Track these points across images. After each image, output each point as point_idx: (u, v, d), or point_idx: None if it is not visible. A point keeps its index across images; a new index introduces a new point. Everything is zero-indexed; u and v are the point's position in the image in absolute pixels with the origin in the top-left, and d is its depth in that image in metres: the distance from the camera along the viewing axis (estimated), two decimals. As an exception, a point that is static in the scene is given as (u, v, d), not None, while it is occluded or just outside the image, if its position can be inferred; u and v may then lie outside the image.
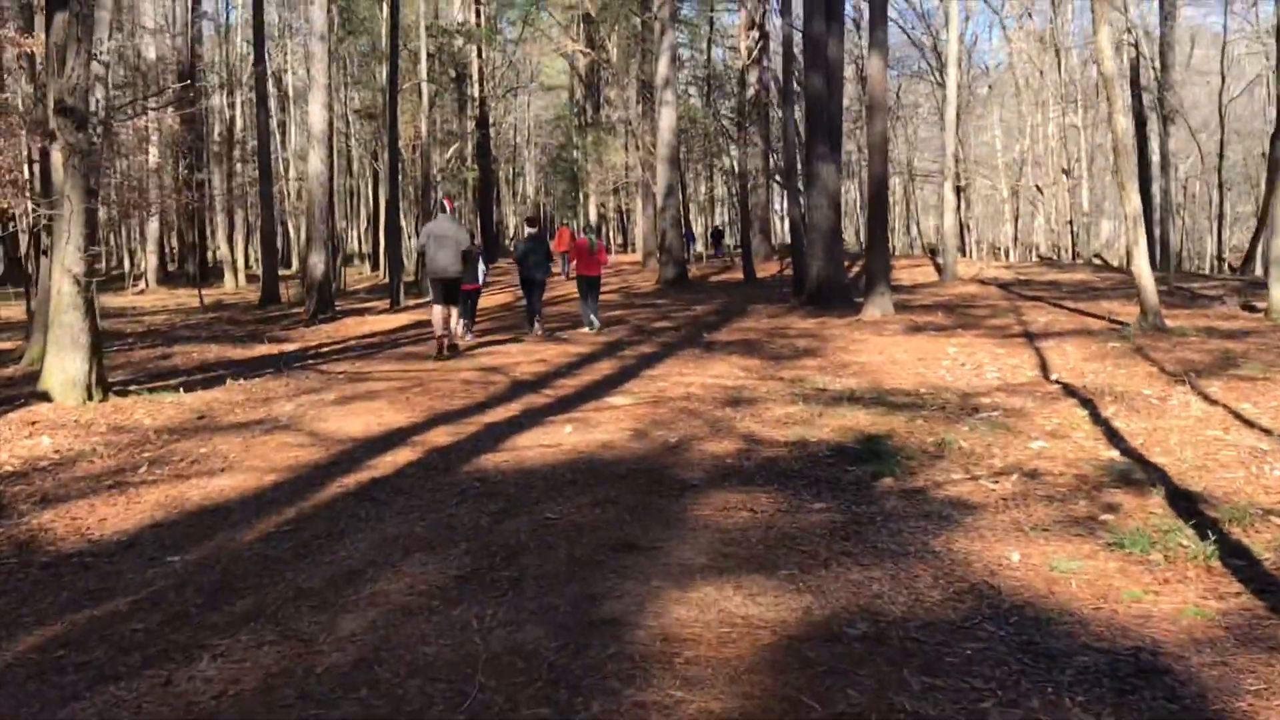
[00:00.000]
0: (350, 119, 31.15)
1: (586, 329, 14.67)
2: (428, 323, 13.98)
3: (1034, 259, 32.34)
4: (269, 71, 31.43)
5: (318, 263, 17.40)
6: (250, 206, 35.19)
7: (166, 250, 35.88)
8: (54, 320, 8.76)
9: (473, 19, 29.82)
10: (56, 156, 8.54)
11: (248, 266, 35.60)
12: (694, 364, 11.22)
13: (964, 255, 36.75)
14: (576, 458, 6.73)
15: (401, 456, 6.90)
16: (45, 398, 8.76)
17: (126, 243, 33.63)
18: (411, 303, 20.53)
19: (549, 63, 59.47)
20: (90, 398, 8.86)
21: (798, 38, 20.18)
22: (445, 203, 14.14)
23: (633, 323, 16.02)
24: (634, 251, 49.60)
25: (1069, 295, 17.94)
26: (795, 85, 20.39)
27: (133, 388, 9.92)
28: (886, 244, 15.14)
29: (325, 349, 13.61)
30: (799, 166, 19.80)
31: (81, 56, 8.32)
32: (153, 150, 30.25)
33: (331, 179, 34.21)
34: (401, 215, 35.82)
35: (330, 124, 17.15)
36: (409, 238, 31.60)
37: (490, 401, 9.00)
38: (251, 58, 22.17)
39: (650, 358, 11.84)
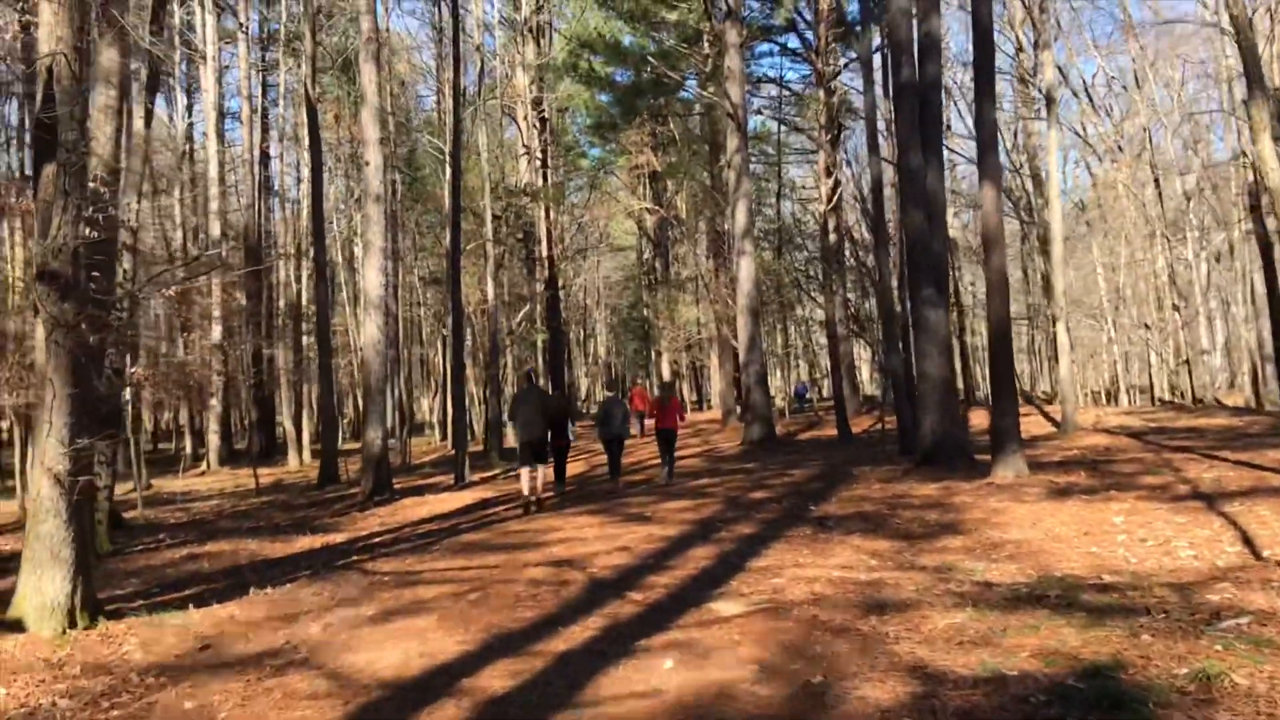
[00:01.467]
0: (417, 285, 30.42)
1: (662, 480, 16.09)
2: (492, 502, 12.81)
3: (1150, 403, 29.89)
4: (335, 239, 30.99)
5: (375, 439, 15.87)
6: (315, 382, 34.32)
7: (233, 429, 34.97)
8: (31, 530, 7.14)
9: (539, 180, 29.06)
10: (40, 332, 7.08)
11: (314, 443, 34.51)
12: (810, 549, 9.24)
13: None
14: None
15: (443, 717, 5.02)
16: (17, 627, 7.07)
17: (191, 424, 32.78)
18: (477, 478, 18.85)
19: (617, 224, 59.42)
20: (73, 624, 7.15)
21: (889, 174, 18.85)
22: (531, 372, 16.42)
23: (723, 493, 14.10)
24: (710, 408, 47.99)
25: (1220, 443, 15.69)
26: (879, 228, 18.85)
27: (137, 603, 8.23)
28: (1015, 395, 13.17)
29: (376, 539, 11.87)
30: (895, 311, 18.06)
31: (70, 213, 6.94)
32: (215, 327, 29.72)
33: (396, 346, 33.52)
34: (473, 382, 34.77)
35: (387, 288, 15.90)
36: (480, 404, 30.29)
37: (564, 614, 7.12)
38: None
39: (754, 540, 9.89)
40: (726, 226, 35.82)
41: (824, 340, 52.75)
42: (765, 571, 8.26)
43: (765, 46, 33.37)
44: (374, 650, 6.41)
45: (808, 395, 38.57)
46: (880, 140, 19.77)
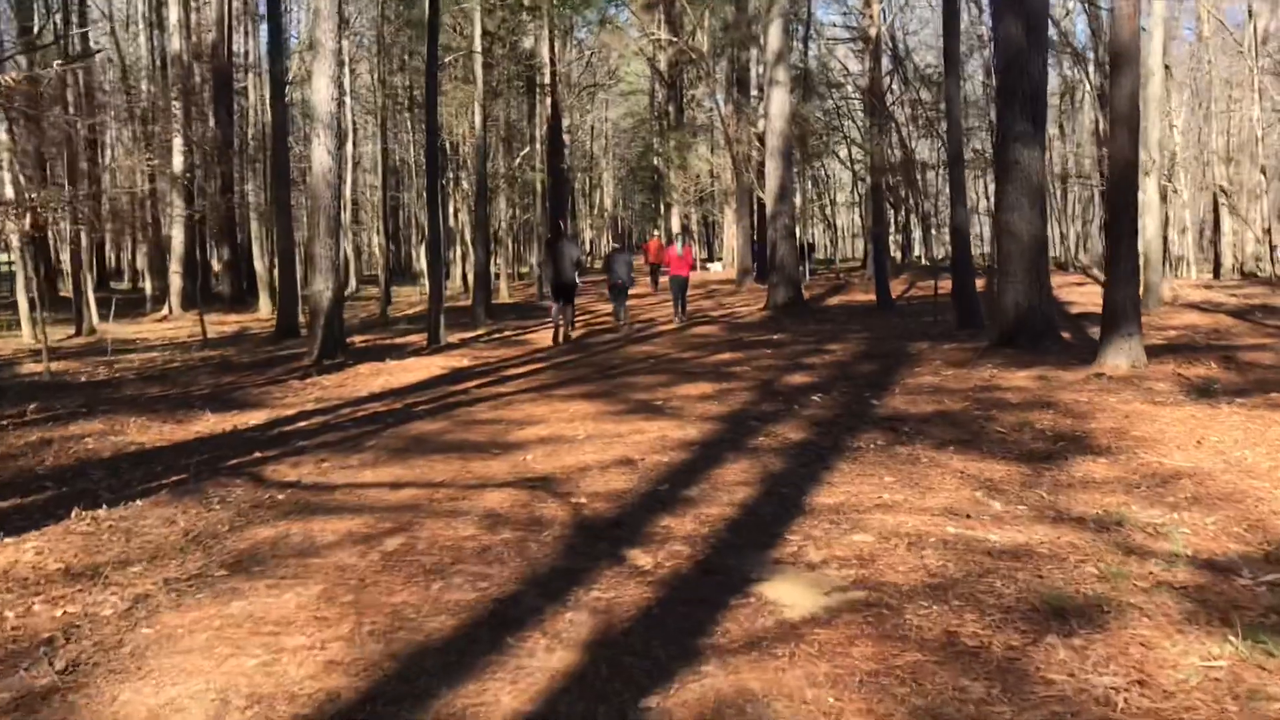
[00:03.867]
0: (400, 113, 26.99)
1: (675, 319, 18.37)
2: (467, 373, 10.47)
3: (1217, 277, 26.77)
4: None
5: (324, 289, 12.91)
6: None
7: (205, 268, 31.94)
8: None
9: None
10: None
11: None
12: (893, 473, 6.42)
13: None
14: None
15: None
16: None
17: (152, 264, 29.76)
18: (456, 339, 15.99)
19: (627, 65, 55.23)
20: None
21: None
22: (562, 223, 18.74)
23: (752, 374, 11.25)
24: (719, 266, 44.99)
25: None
26: (951, 53, 15.46)
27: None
28: (1136, 258, 10.18)
29: (302, 422, 9.08)
30: (962, 156, 14.89)
31: None
32: (177, 156, 26.48)
33: (384, 185, 30.08)
34: (459, 224, 31.59)
35: (342, 105, 12.72)
36: (457, 248, 27.59)
37: (524, 600, 4.33)
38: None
39: (808, 454, 7.08)
40: (751, 62, 32.17)
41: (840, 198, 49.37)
42: (838, 516, 5.45)
43: None
44: (173, 676, 3.63)
45: (814, 254, 34.35)
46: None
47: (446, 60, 20.00)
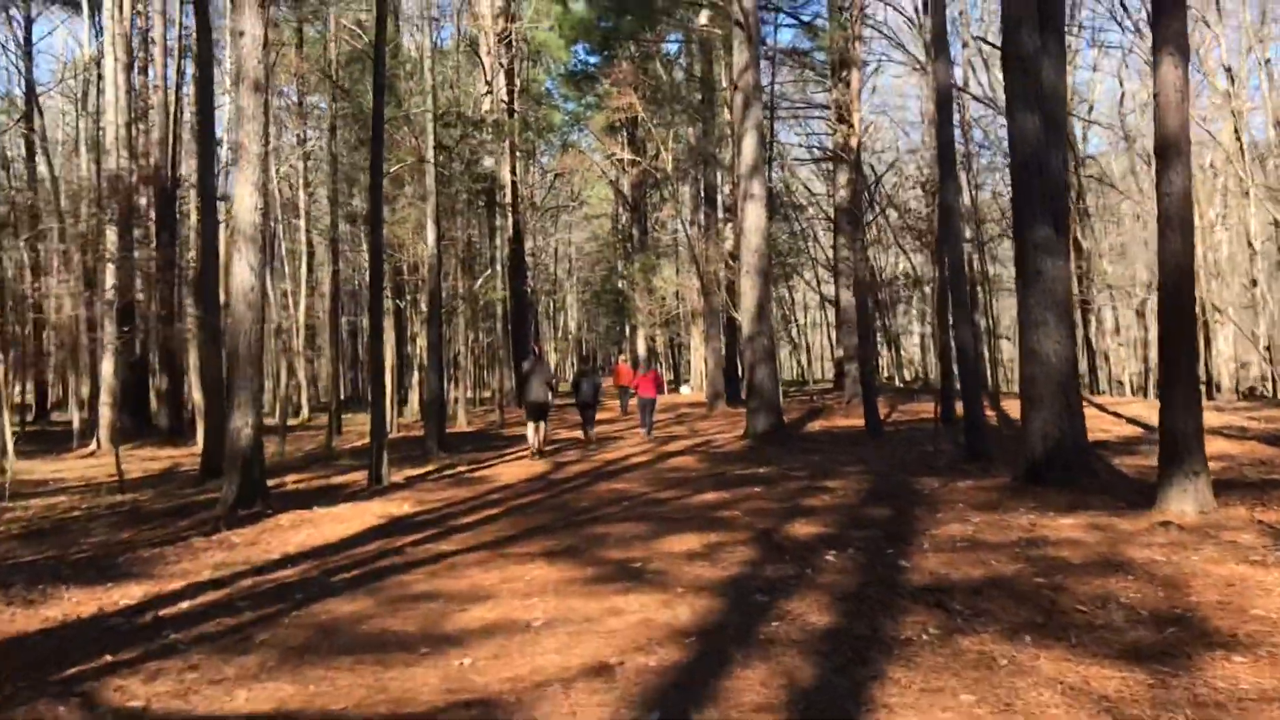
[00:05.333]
0: (357, 233, 25.55)
1: (642, 432, 19.80)
2: (407, 524, 8.82)
3: (1230, 398, 25.51)
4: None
5: (243, 427, 11.09)
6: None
7: (145, 399, 29.93)
8: None
9: (502, 109, 24.14)
10: None
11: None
12: (967, 688, 4.68)
13: (1099, 394, 30.07)
14: None
15: None
16: None
17: (77, 389, 27.75)
18: (402, 477, 14.14)
19: (591, 189, 54.75)
20: None
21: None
22: (535, 348, 19.77)
23: (746, 521, 9.51)
24: (688, 388, 43.56)
25: None
26: (946, 155, 14.23)
27: None
28: (1196, 382, 8.66)
29: (188, 601, 7.20)
30: (963, 267, 13.51)
31: None
32: (109, 277, 24.79)
33: (335, 312, 28.39)
34: (417, 348, 29.88)
35: (267, 215, 11.13)
36: (415, 373, 26.10)
37: None
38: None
39: (840, 651, 5.31)
40: (718, 179, 31.29)
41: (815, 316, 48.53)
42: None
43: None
44: None
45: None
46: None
47: (392, 170, 18.59)
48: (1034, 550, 7.58)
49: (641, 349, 44.50)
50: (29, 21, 37.98)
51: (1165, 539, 7.70)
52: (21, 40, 37.78)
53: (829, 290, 39.22)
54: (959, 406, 19.55)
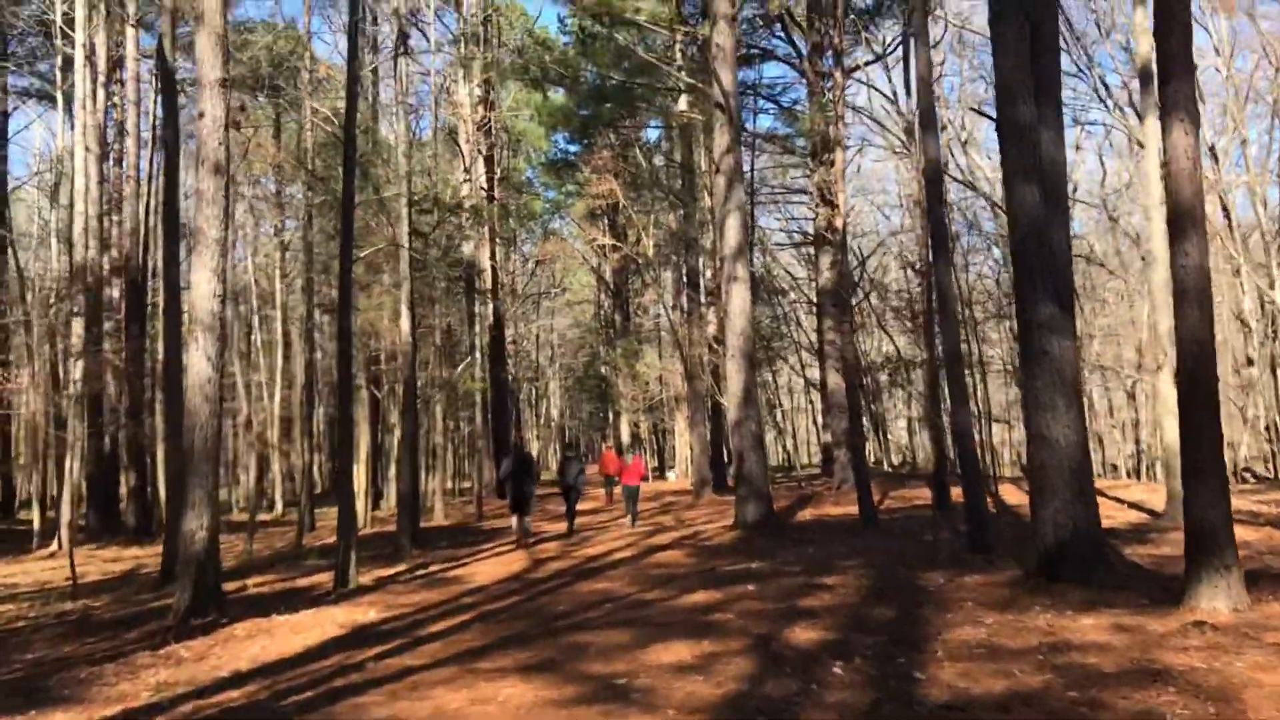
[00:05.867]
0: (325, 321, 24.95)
1: (627, 521, 19.66)
2: (372, 635, 8.24)
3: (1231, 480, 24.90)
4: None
5: (197, 529, 10.29)
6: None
7: (114, 497, 28.89)
8: None
9: (482, 196, 23.76)
10: None
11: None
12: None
13: (1095, 478, 29.41)
14: None
15: None
16: None
17: (42, 487, 26.72)
18: (371, 579, 13.30)
19: (573, 276, 54.67)
20: None
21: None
22: (518, 438, 20.01)
23: (740, 624, 8.75)
24: (674, 474, 42.80)
25: None
26: (939, 232, 13.82)
27: None
28: (1223, 468, 8.05)
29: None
30: (960, 350, 12.94)
31: None
32: (75, 368, 24.09)
33: (310, 401, 27.63)
34: (393, 439, 29.05)
35: (225, 302, 10.49)
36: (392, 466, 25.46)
37: None
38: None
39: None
40: (700, 263, 30.96)
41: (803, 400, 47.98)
42: None
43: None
44: None
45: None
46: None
47: (363, 255, 18.05)
48: (1059, 657, 6.87)
49: (625, 435, 43.81)
50: (4, 116, 37.78)
51: (1202, 641, 7.02)
52: (-4, 135, 37.49)
53: (813, 374, 38.86)
54: (954, 492, 18.97)
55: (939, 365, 18.45)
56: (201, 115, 10.51)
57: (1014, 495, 20.38)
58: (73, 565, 15.04)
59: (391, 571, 14.18)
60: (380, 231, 18.64)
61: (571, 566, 13.91)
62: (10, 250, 30.30)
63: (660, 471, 44.94)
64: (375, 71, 29.19)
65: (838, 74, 18.53)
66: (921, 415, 39.50)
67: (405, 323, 17.31)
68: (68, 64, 27.23)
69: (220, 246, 10.52)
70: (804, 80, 26.64)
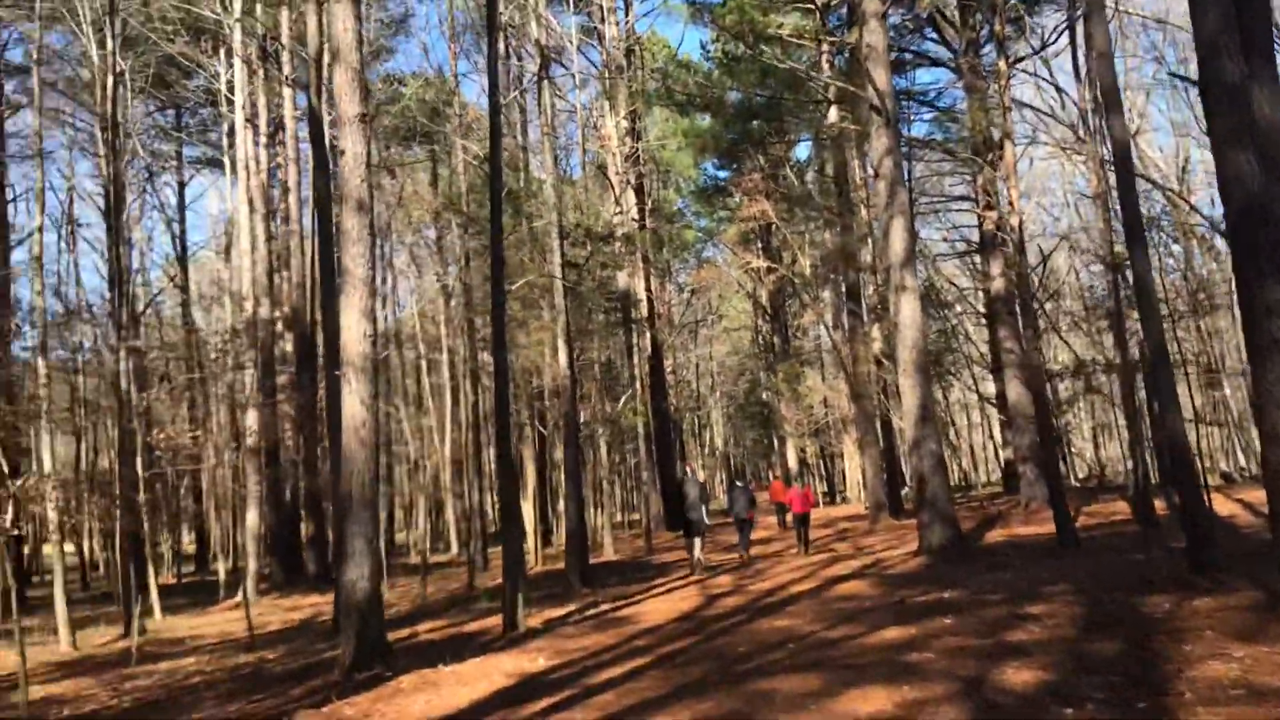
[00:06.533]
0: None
1: (799, 549, 19.85)
2: (541, 684, 7.97)
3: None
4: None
5: (358, 578, 9.99)
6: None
7: (295, 545, 29.64)
8: None
9: (633, 226, 23.41)
10: None
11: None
12: None
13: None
14: None
15: None
16: None
17: (225, 538, 27.61)
18: (540, 622, 12.82)
19: (728, 303, 54.08)
20: None
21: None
22: (689, 468, 20.62)
23: (943, 665, 7.82)
24: (844, 501, 41.47)
25: None
26: (1135, 224, 12.57)
27: None
28: None
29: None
30: (1165, 346, 11.63)
31: None
32: (250, 416, 24.78)
33: (474, 443, 27.92)
34: (559, 475, 28.92)
35: (374, 341, 10.25)
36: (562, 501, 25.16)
37: None
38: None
39: None
40: (862, 279, 29.83)
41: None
42: None
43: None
44: None
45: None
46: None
47: (515, 286, 17.82)
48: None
49: (793, 461, 42.71)
50: (182, 186, 39.94)
51: None
52: (175, 204, 39.67)
53: (987, 388, 37.05)
54: (1158, 505, 17.35)
55: (1135, 366, 16.99)
56: (342, 153, 10.35)
57: (1225, 506, 18.57)
58: (249, 617, 15.12)
59: (561, 612, 13.68)
60: (533, 267, 18.44)
61: (748, 602, 13.12)
62: (184, 311, 31.63)
63: (831, 497, 43.64)
64: (523, 111, 29.43)
65: (1001, 64, 17.30)
66: (1112, 423, 37.08)
67: (563, 356, 16.96)
68: (233, 130, 28.35)
69: (367, 286, 10.30)
70: (960, 80, 25.47)
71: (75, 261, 33.59)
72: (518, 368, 23.08)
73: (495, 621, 13.06)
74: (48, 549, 24.61)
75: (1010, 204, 16.07)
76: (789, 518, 24.17)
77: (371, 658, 9.85)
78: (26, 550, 32.30)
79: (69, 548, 40.59)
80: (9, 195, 28.06)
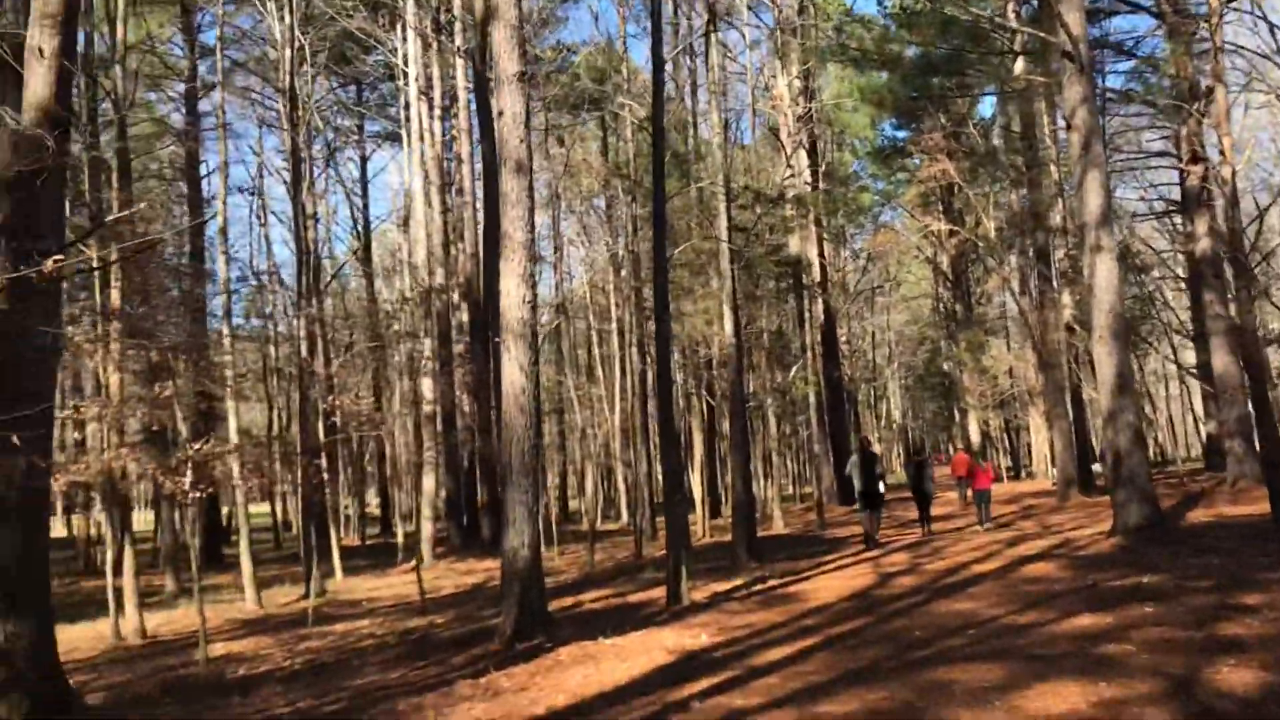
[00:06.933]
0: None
1: (980, 527, 18.97)
2: (705, 661, 7.99)
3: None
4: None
5: (520, 545, 9.81)
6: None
7: (472, 509, 30.29)
8: None
9: (805, 188, 22.59)
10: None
11: (558, 524, 29.18)
12: None
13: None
14: None
15: None
16: None
17: (405, 503, 28.37)
18: (704, 596, 12.45)
19: (907, 269, 52.18)
20: None
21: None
22: (864, 439, 20.19)
23: (1145, 659, 7.01)
24: (1028, 477, 39.56)
25: None
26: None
27: None
28: None
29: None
30: None
31: None
32: (426, 386, 25.25)
33: (647, 397, 27.87)
34: (708, 448, 28.51)
35: (534, 307, 10.02)
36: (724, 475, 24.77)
37: None
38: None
39: None
40: (1051, 242, 28.12)
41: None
42: None
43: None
44: None
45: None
46: None
47: (679, 249, 17.40)
48: None
49: (975, 434, 41.08)
50: (364, 160, 41.30)
51: None
52: (357, 178, 41.06)
53: (1186, 357, 34.62)
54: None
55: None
56: (500, 114, 10.12)
57: None
58: (420, 582, 15.33)
59: (727, 586, 13.28)
60: (700, 233, 17.99)
61: (926, 582, 12.39)
62: (368, 282, 32.58)
63: (1016, 473, 41.76)
64: (692, 74, 28.93)
65: (1213, 1, 15.73)
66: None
67: (729, 322, 16.45)
68: (409, 103, 28.91)
69: (527, 251, 10.08)
70: (1160, 26, 23.57)
71: (266, 235, 34.67)
72: (684, 337, 22.71)
73: (660, 592, 12.78)
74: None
75: (1223, 154, 14.60)
76: (969, 493, 23.15)
77: (533, 627, 9.70)
78: (225, 510, 34.13)
79: (264, 508, 42.99)
80: (202, 171, 29.43)
